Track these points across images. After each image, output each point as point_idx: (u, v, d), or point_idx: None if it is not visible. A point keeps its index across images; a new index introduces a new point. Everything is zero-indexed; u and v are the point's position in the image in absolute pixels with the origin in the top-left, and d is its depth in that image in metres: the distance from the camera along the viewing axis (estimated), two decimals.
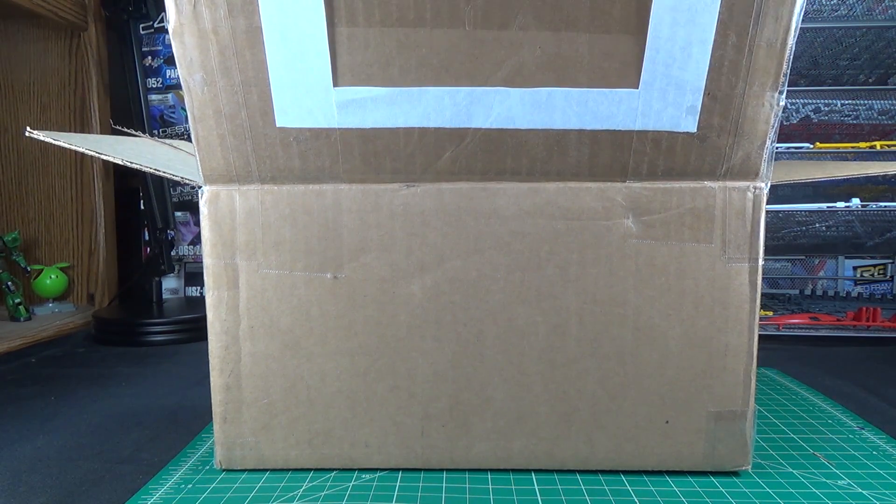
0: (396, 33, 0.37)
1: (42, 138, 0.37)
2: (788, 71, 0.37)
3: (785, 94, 0.37)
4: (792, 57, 0.37)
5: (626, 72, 0.37)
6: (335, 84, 0.37)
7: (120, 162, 0.38)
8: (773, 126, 0.38)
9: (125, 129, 0.54)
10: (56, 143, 0.37)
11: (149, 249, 0.99)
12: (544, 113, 0.38)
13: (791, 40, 0.36)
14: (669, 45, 0.36)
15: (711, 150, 0.38)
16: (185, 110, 1.10)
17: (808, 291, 1.08)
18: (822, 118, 0.96)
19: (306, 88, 0.38)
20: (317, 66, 0.37)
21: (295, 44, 0.37)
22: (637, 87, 0.37)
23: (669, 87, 0.37)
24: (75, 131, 1.00)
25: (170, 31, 0.37)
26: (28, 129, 0.37)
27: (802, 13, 0.36)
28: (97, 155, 0.38)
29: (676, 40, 0.36)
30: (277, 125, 0.38)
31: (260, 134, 0.38)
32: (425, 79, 0.37)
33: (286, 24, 0.37)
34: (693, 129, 0.38)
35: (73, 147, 0.38)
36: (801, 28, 0.92)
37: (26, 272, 0.96)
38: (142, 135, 0.51)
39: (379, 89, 0.37)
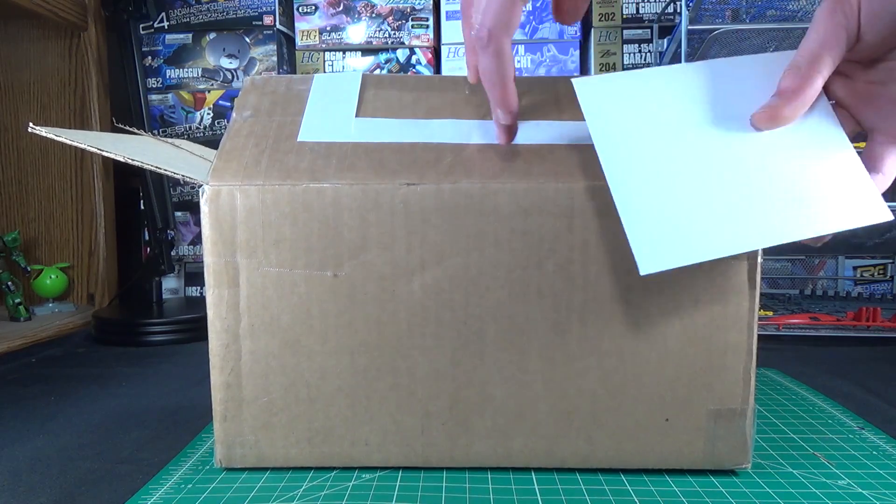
0: (412, 94, 0.46)
1: (44, 134, 0.37)
2: None
3: None
4: None
5: None
6: (357, 116, 0.44)
7: (121, 159, 0.38)
8: None
9: (126, 127, 0.54)
10: (58, 138, 0.37)
11: (149, 249, 0.99)
12: (534, 134, 0.43)
13: None
14: None
15: None
16: (185, 110, 1.11)
17: (808, 291, 1.08)
18: None
19: (332, 118, 0.44)
20: (345, 107, 0.44)
21: (332, 96, 0.45)
22: None
23: None
24: None
25: (240, 92, 0.46)
26: (31, 124, 0.37)
27: None
28: (98, 151, 0.38)
29: None
30: (298, 140, 0.42)
31: (280, 145, 0.42)
32: (432, 114, 0.44)
33: (329, 87, 0.46)
34: None
35: (75, 143, 0.38)
36: (801, 28, 0.91)
37: (26, 272, 0.96)
38: (143, 132, 0.51)
39: (393, 120, 0.44)
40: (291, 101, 0.45)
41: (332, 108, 0.44)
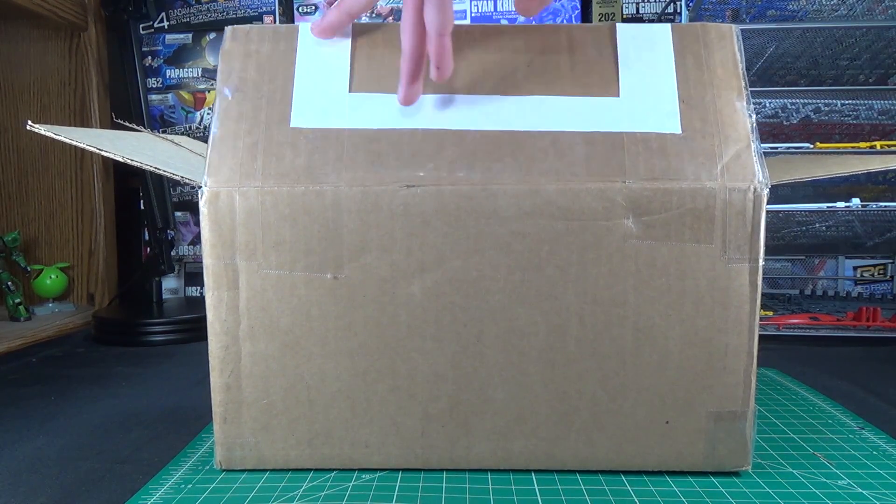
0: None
1: (43, 132, 0.37)
2: (748, 86, 0.42)
3: (752, 106, 0.41)
4: (747, 74, 0.42)
5: (607, 84, 0.42)
6: (350, 90, 0.42)
7: (120, 159, 0.38)
8: (752, 131, 0.40)
9: (126, 123, 0.54)
10: (57, 137, 0.37)
11: (149, 249, 0.99)
12: (538, 116, 0.41)
13: (741, 64, 0.42)
14: (638, 63, 0.42)
15: (702, 150, 0.40)
16: (185, 110, 1.11)
17: (808, 291, 1.08)
18: (822, 118, 0.96)
19: (324, 95, 0.41)
20: (337, 77, 0.42)
21: (322, 60, 0.42)
22: (618, 96, 0.41)
23: (647, 95, 0.41)
24: None
25: (221, 52, 0.43)
26: (29, 122, 0.37)
27: (742, 47, 0.43)
28: (97, 151, 0.38)
29: (643, 60, 0.42)
30: (291, 126, 0.41)
31: (273, 133, 0.41)
32: (430, 87, 0.41)
33: (317, 46, 0.43)
34: (678, 130, 0.40)
35: (74, 142, 0.38)
36: (801, 28, 0.92)
37: (26, 272, 0.96)
38: (143, 129, 0.51)
39: (389, 95, 0.41)
40: (279, 65, 0.42)
41: (322, 77, 0.42)
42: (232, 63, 0.42)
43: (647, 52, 0.42)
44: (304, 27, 0.43)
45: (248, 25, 0.43)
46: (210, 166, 0.40)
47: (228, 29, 0.43)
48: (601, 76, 0.42)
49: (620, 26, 0.43)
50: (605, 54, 0.42)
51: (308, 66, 0.42)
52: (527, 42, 0.43)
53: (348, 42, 0.43)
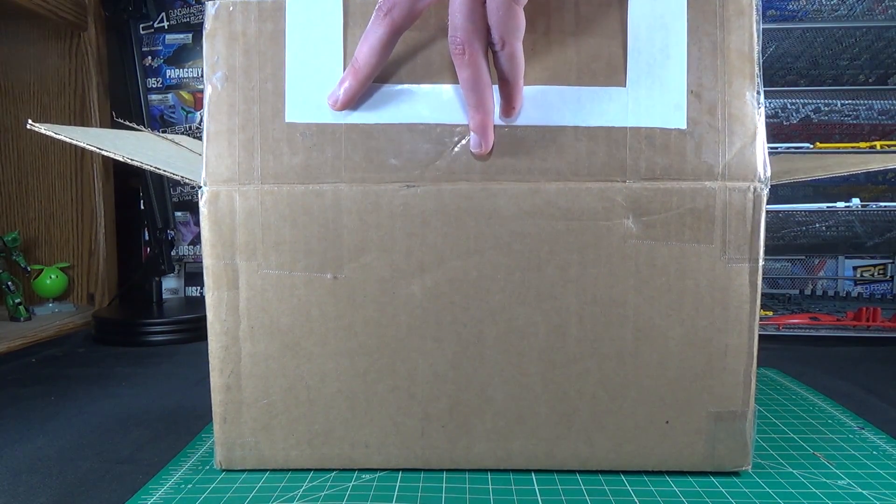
0: (404, 36, 0.39)
1: (43, 131, 0.37)
2: (761, 74, 0.40)
3: (763, 95, 0.40)
4: (762, 62, 0.41)
5: (613, 71, 0.40)
6: None
7: (120, 158, 0.38)
8: (759, 125, 0.39)
9: (126, 123, 0.53)
10: (57, 136, 0.37)
11: (149, 249, 0.99)
12: (541, 110, 0.40)
13: (756, 47, 0.40)
14: (649, 46, 0.40)
15: (706, 146, 0.39)
16: (185, 110, 1.11)
17: (808, 291, 1.08)
18: (822, 118, 0.96)
19: (319, 85, 0.40)
20: (330, 65, 0.40)
21: (313, 45, 0.40)
22: (625, 86, 0.40)
23: (655, 85, 0.40)
24: None
25: (204, 34, 0.41)
26: (30, 121, 0.37)
27: (761, 25, 0.40)
28: (97, 150, 0.38)
29: (654, 42, 0.40)
30: (287, 121, 0.40)
31: (268, 128, 0.40)
32: (428, 76, 0.40)
33: (307, 27, 0.40)
34: (683, 125, 0.39)
35: (74, 141, 0.38)
36: (801, 28, 0.92)
37: (26, 272, 0.96)
38: (143, 128, 0.50)
39: (386, 86, 0.40)
40: (267, 49, 0.40)
41: (315, 65, 0.40)
42: (217, 48, 0.40)
43: (658, 31, 0.39)
44: (292, 3, 0.40)
45: (231, 1, 0.41)
46: (208, 164, 0.40)
47: (210, 6, 0.40)
48: (608, 63, 0.40)
49: (633, 1, 0.40)
50: (613, 35, 0.40)
51: (299, 51, 0.40)
52: (531, 20, 0.39)
53: (340, 21, 0.40)
